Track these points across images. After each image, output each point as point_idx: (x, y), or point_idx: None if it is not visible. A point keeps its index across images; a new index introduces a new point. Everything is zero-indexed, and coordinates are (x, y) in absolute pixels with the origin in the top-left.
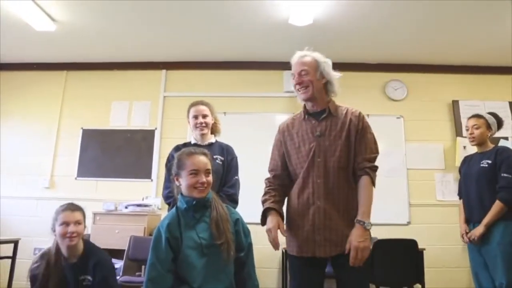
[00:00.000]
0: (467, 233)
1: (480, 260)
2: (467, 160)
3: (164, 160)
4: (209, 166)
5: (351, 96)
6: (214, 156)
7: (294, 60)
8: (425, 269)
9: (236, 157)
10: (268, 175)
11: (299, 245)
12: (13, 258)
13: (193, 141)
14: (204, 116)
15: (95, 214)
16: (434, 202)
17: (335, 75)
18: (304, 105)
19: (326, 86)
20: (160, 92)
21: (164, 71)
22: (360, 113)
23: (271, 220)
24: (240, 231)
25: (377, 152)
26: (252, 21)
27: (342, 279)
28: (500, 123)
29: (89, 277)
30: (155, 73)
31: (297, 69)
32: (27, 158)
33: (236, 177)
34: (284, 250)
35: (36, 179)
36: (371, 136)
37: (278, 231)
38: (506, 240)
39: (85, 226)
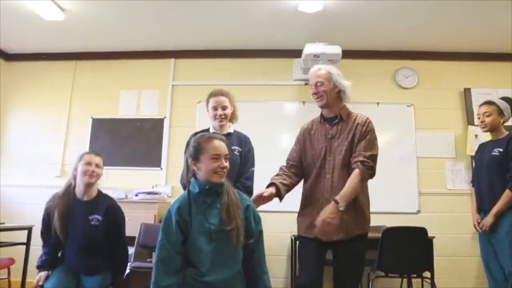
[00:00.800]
0: (479, 223)
1: (490, 249)
2: (481, 147)
3: (173, 149)
4: (227, 152)
5: (361, 84)
6: (232, 147)
7: (310, 72)
8: (435, 258)
9: (253, 148)
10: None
11: (307, 226)
12: (27, 244)
13: (211, 130)
14: (224, 108)
15: None
16: (444, 191)
17: (347, 84)
18: (321, 112)
19: (339, 94)
20: (169, 81)
21: (172, 60)
22: (367, 118)
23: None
24: (251, 217)
25: (375, 151)
26: (261, 9)
27: (338, 263)
28: None
29: (99, 217)
30: (164, 62)
31: (313, 81)
32: (39, 148)
33: (252, 169)
34: (292, 238)
35: (48, 168)
36: (372, 137)
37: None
38: None
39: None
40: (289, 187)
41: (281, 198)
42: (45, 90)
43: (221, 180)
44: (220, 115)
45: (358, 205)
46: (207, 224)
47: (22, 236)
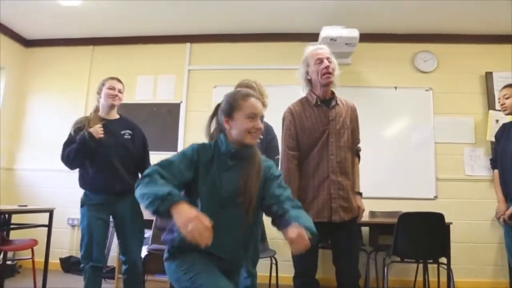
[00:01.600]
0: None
1: None
2: (506, 129)
3: (189, 133)
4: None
5: (378, 68)
6: None
7: (321, 47)
8: (451, 244)
9: (276, 137)
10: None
11: (317, 211)
12: (49, 226)
13: None
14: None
15: None
16: (463, 177)
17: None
18: (313, 92)
19: None
20: (185, 65)
21: (188, 44)
22: (354, 104)
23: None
24: (271, 180)
25: None
26: None
27: (341, 242)
28: None
29: (130, 131)
30: (180, 47)
31: (326, 55)
32: (58, 132)
33: (277, 157)
34: None
35: None
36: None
37: None
38: None
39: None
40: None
41: None
42: (63, 76)
43: (254, 141)
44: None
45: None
46: (219, 187)
47: (44, 218)
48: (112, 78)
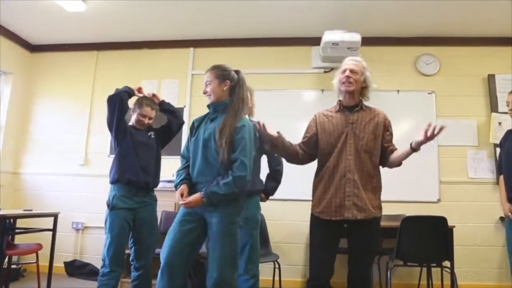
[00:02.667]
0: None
1: None
2: (510, 134)
3: None
4: (208, 78)
5: (381, 71)
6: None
7: (349, 59)
8: (455, 247)
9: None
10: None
11: (335, 209)
12: (53, 230)
13: None
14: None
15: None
16: (466, 179)
17: (373, 86)
18: (340, 101)
19: (363, 89)
20: (188, 70)
21: (192, 49)
22: (384, 113)
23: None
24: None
25: None
26: None
27: (354, 244)
28: None
29: (153, 132)
30: (183, 51)
31: (349, 67)
32: (64, 137)
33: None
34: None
35: (72, 157)
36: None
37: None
38: None
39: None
40: (290, 145)
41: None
42: (68, 80)
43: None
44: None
45: (378, 188)
46: (202, 133)
47: (48, 222)
48: (148, 105)
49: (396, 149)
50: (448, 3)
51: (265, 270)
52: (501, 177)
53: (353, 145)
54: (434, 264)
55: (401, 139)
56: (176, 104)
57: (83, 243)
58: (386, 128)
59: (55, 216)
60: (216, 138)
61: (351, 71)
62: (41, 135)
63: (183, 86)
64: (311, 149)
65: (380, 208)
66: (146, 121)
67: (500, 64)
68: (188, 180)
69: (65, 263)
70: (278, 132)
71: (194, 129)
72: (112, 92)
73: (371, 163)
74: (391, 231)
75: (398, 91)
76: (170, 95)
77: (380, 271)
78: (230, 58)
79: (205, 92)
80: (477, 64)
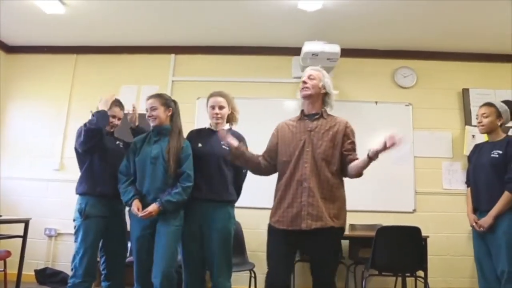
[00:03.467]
0: (476, 223)
1: (484, 248)
2: (478, 148)
3: None
4: (154, 104)
5: (359, 83)
6: (222, 142)
7: (306, 69)
8: (429, 257)
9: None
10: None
11: (292, 219)
12: (24, 237)
13: (207, 127)
14: (221, 108)
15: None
16: (441, 190)
17: (334, 92)
18: (302, 110)
19: (324, 96)
20: (168, 76)
21: (173, 55)
22: (346, 121)
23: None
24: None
25: None
26: (262, 7)
27: (314, 253)
28: None
29: (121, 143)
30: (164, 58)
31: (307, 74)
32: (38, 141)
33: (244, 171)
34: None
35: (47, 161)
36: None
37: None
38: None
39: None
40: (252, 156)
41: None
42: (46, 83)
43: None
44: (217, 113)
45: (338, 197)
46: (149, 153)
47: (19, 228)
48: (116, 105)
49: (357, 158)
50: (425, 19)
51: (241, 279)
52: (468, 189)
53: (310, 152)
54: (409, 274)
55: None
56: None
57: (56, 250)
58: (347, 136)
59: (26, 222)
60: (164, 156)
61: (308, 76)
62: (14, 139)
63: (164, 92)
64: (273, 159)
65: (338, 218)
66: (116, 121)
67: (474, 78)
68: (138, 195)
69: (35, 271)
70: (239, 143)
71: (137, 149)
72: (89, 102)
73: (329, 171)
74: (367, 240)
75: (376, 102)
76: None
77: (356, 280)
78: (211, 65)
79: (150, 116)
80: (453, 78)
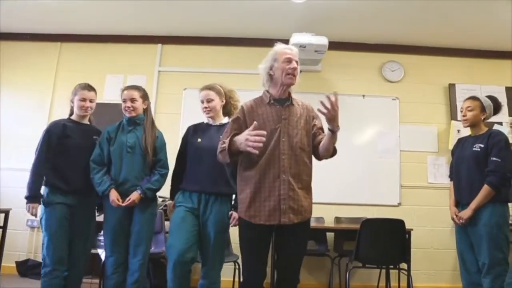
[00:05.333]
0: (457, 216)
1: (466, 241)
2: (461, 142)
3: None
4: (134, 96)
5: (347, 76)
6: (221, 136)
7: (287, 47)
8: (413, 250)
9: None
10: None
11: (269, 213)
12: (3, 228)
13: (205, 121)
14: (209, 101)
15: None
16: (426, 184)
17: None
18: (268, 91)
19: None
20: (155, 66)
21: (159, 45)
22: (311, 106)
23: (241, 134)
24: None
25: None
26: None
27: (287, 247)
28: (497, 107)
29: (97, 137)
30: (151, 47)
31: (295, 58)
32: (21, 130)
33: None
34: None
35: (29, 151)
36: None
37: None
38: (492, 222)
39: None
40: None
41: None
42: (29, 71)
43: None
44: (206, 107)
45: (309, 185)
46: (125, 142)
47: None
48: (83, 88)
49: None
50: (413, 14)
51: (225, 271)
52: (451, 183)
53: (287, 143)
54: (392, 266)
55: (365, 143)
56: None
57: (38, 241)
58: (314, 117)
59: (6, 213)
60: (142, 145)
61: (297, 62)
62: None
63: (150, 83)
64: None
65: (311, 208)
66: (88, 104)
67: (460, 74)
68: (113, 184)
69: (17, 262)
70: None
71: (111, 138)
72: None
73: (306, 159)
74: (352, 233)
75: (363, 96)
76: None
77: (340, 273)
78: (198, 56)
79: (129, 107)
80: (439, 73)
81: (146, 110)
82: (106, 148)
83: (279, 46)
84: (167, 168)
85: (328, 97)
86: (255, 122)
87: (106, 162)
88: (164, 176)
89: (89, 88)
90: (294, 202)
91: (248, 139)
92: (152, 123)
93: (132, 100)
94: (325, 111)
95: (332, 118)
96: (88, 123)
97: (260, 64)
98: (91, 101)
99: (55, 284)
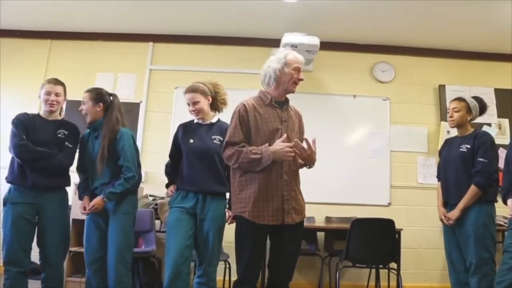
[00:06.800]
0: (445, 216)
1: (454, 241)
2: (448, 143)
3: (148, 134)
4: (84, 99)
5: (338, 76)
6: (213, 137)
7: (302, 58)
8: (402, 250)
9: None
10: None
11: (273, 213)
12: None
13: (195, 120)
14: (195, 103)
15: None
16: (415, 184)
17: None
18: (267, 92)
19: None
20: (146, 65)
21: (151, 43)
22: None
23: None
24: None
25: None
26: None
27: (284, 245)
28: (483, 108)
29: (65, 131)
30: (142, 46)
31: (302, 68)
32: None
33: None
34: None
35: None
36: None
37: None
38: (479, 222)
39: (64, 99)
40: None
41: None
42: (18, 68)
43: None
44: (193, 110)
45: (300, 189)
46: (93, 149)
47: None
48: (49, 82)
49: None
50: (404, 15)
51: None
52: (439, 183)
53: None
54: (382, 266)
55: (355, 143)
56: (132, 99)
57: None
58: (301, 125)
59: None
60: (104, 153)
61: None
62: None
63: (140, 81)
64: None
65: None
66: (53, 97)
67: (450, 75)
68: (88, 192)
69: None
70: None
71: (85, 144)
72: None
73: (297, 162)
74: (342, 233)
75: (354, 96)
76: (126, 89)
77: (330, 272)
78: (189, 55)
79: (81, 110)
80: (430, 74)
81: (106, 113)
82: (83, 154)
83: (292, 53)
84: (132, 171)
85: (306, 139)
86: (285, 134)
87: (86, 168)
88: (128, 180)
89: (55, 82)
90: (296, 202)
91: (289, 151)
92: (111, 126)
93: (83, 103)
94: (298, 152)
95: (307, 156)
96: (58, 119)
97: (268, 62)
98: (56, 95)
99: (7, 285)
